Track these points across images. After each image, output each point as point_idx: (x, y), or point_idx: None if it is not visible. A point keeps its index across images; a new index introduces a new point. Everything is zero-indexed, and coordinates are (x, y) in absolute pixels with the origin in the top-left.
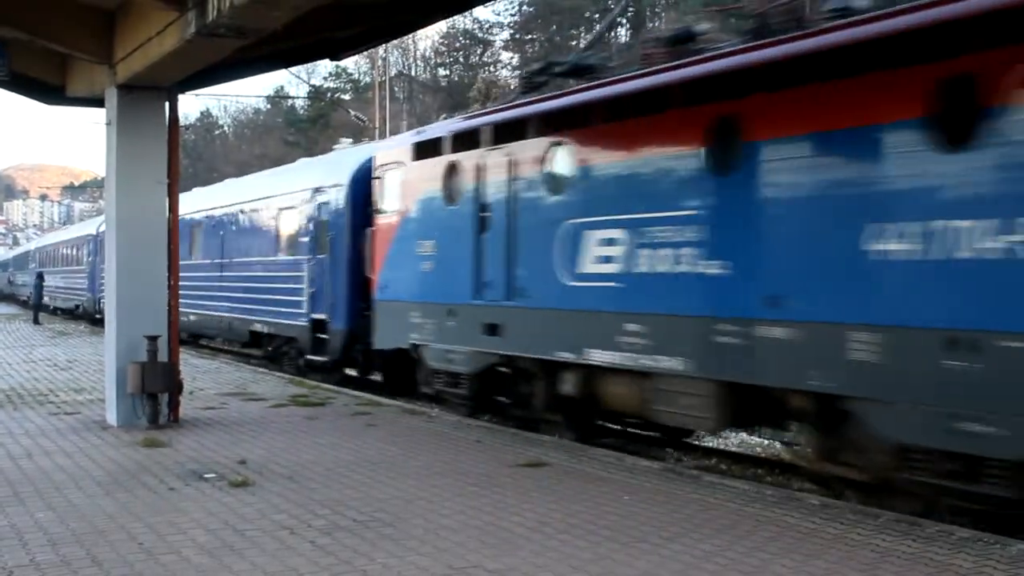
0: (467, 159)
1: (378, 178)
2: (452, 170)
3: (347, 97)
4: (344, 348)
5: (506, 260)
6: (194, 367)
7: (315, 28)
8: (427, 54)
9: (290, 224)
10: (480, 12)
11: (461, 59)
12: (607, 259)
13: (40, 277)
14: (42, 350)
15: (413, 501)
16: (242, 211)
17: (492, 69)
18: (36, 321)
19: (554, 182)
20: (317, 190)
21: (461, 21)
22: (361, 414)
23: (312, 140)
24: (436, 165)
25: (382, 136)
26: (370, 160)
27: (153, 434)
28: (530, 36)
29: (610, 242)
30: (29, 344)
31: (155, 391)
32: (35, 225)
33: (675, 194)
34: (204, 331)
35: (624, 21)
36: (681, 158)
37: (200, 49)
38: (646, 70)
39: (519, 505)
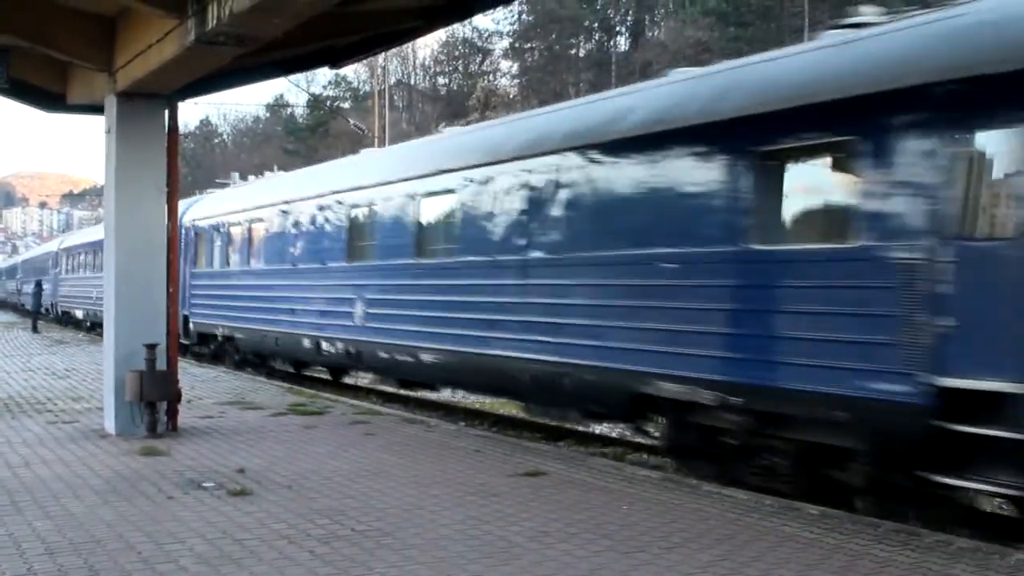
0: None
1: None
2: None
3: (346, 106)
4: None
5: None
6: (192, 376)
7: (315, 36)
8: (426, 63)
9: (798, 185)
10: (479, 21)
11: (460, 68)
12: None
13: (39, 285)
14: (40, 358)
15: (412, 510)
16: (583, 164)
17: (491, 78)
18: (35, 329)
19: None
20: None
21: (460, 30)
22: (360, 423)
23: (312, 148)
24: None
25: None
26: None
27: (151, 443)
28: (529, 45)
29: None
30: (27, 352)
31: (153, 399)
32: (34, 233)
33: None
34: (447, 379)
35: (623, 30)
36: None
37: (200, 57)
38: None
39: (518, 515)
